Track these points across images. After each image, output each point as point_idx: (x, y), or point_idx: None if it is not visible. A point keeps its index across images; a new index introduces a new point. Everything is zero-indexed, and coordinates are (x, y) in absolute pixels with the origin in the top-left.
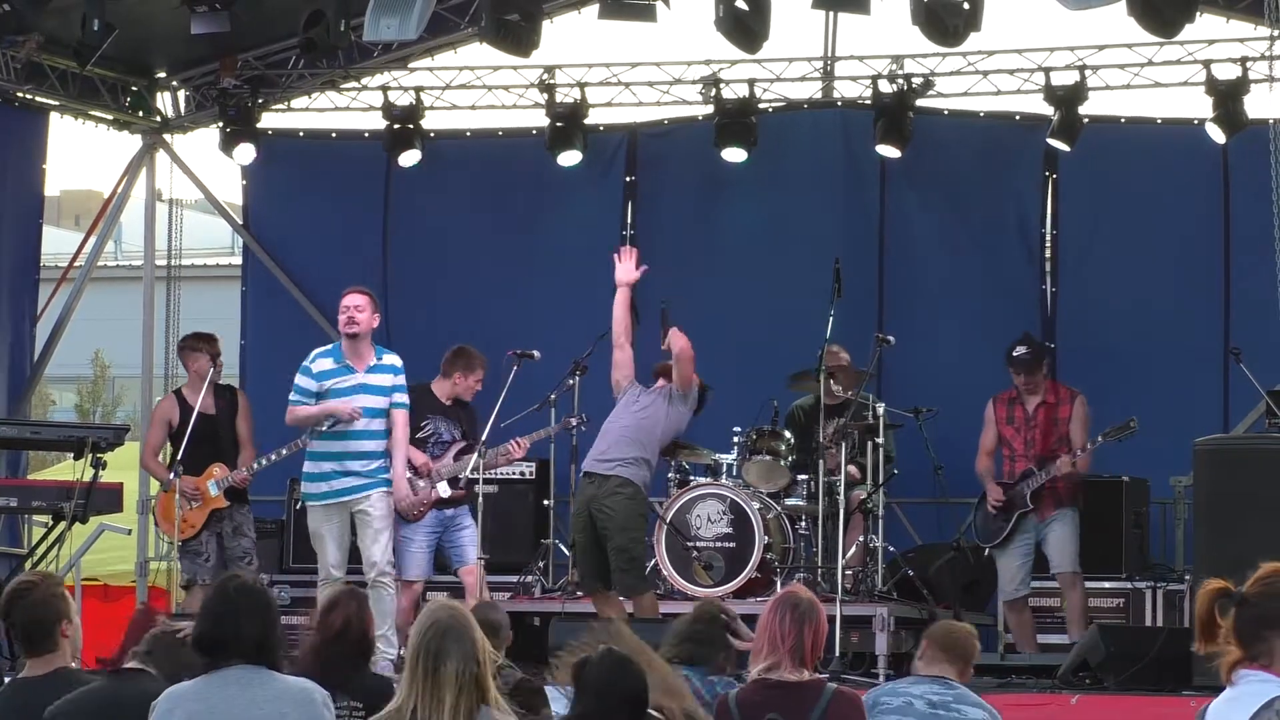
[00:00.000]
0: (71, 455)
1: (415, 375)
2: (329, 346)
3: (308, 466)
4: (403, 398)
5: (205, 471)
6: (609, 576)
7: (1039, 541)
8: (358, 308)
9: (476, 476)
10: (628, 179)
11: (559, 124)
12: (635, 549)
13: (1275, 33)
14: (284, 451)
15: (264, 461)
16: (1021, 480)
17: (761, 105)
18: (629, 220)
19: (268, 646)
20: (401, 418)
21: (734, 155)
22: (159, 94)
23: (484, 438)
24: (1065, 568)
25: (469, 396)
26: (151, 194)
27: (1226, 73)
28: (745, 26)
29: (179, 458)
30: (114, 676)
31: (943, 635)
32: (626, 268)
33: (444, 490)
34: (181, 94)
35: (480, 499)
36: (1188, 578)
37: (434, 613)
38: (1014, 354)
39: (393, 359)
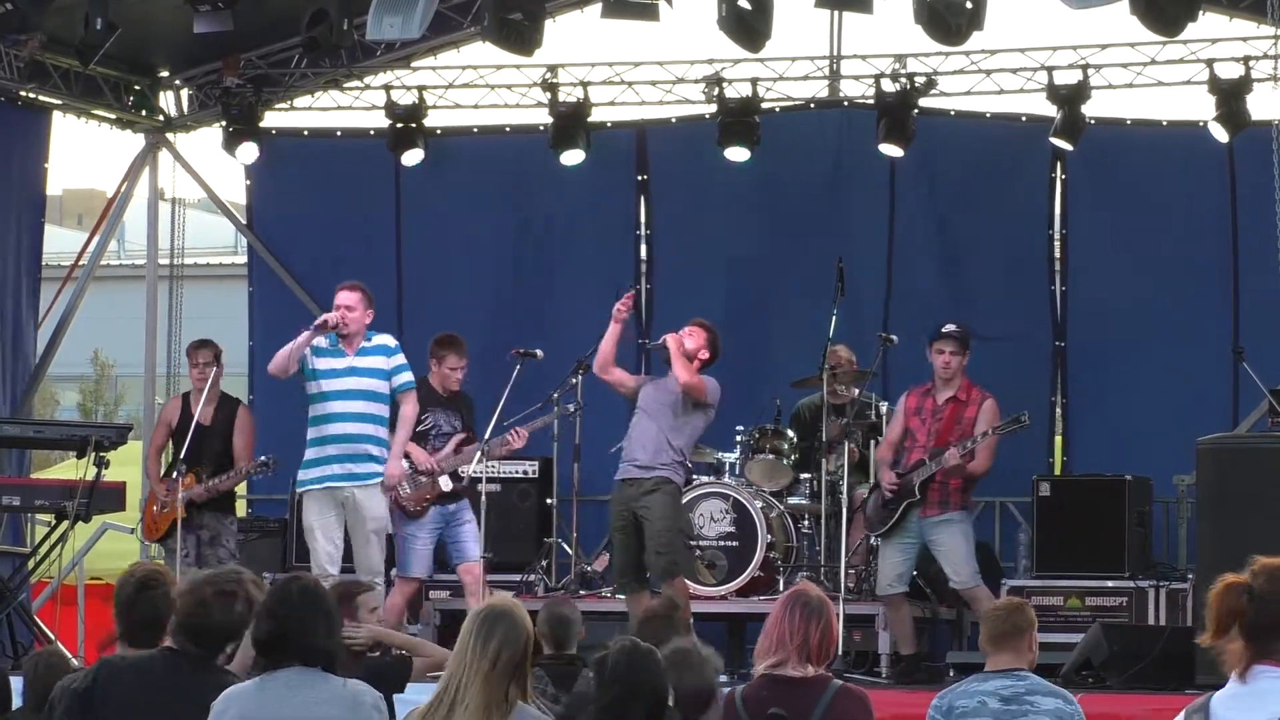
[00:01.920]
0: (74, 454)
1: (425, 372)
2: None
3: (305, 455)
4: (406, 377)
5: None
6: (645, 576)
7: (927, 543)
8: (348, 306)
9: (479, 475)
10: (640, 178)
11: (562, 123)
12: (674, 537)
13: (1278, 32)
14: (241, 473)
15: (223, 478)
16: (913, 469)
17: (768, 104)
18: (643, 219)
19: (324, 649)
20: (410, 398)
21: (737, 154)
22: (162, 93)
23: (487, 435)
24: (965, 583)
25: (454, 385)
26: (154, 193)
27: (1229, 72)
28: (748, 26)
29: (177, 460)
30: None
31: (991, 628)
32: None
33: (446, 484)
34: (184, 93)
35: (483, 498)
36: (1190, 577)
37: (490, 600)
38: (943, 330)
39: (383, 339)
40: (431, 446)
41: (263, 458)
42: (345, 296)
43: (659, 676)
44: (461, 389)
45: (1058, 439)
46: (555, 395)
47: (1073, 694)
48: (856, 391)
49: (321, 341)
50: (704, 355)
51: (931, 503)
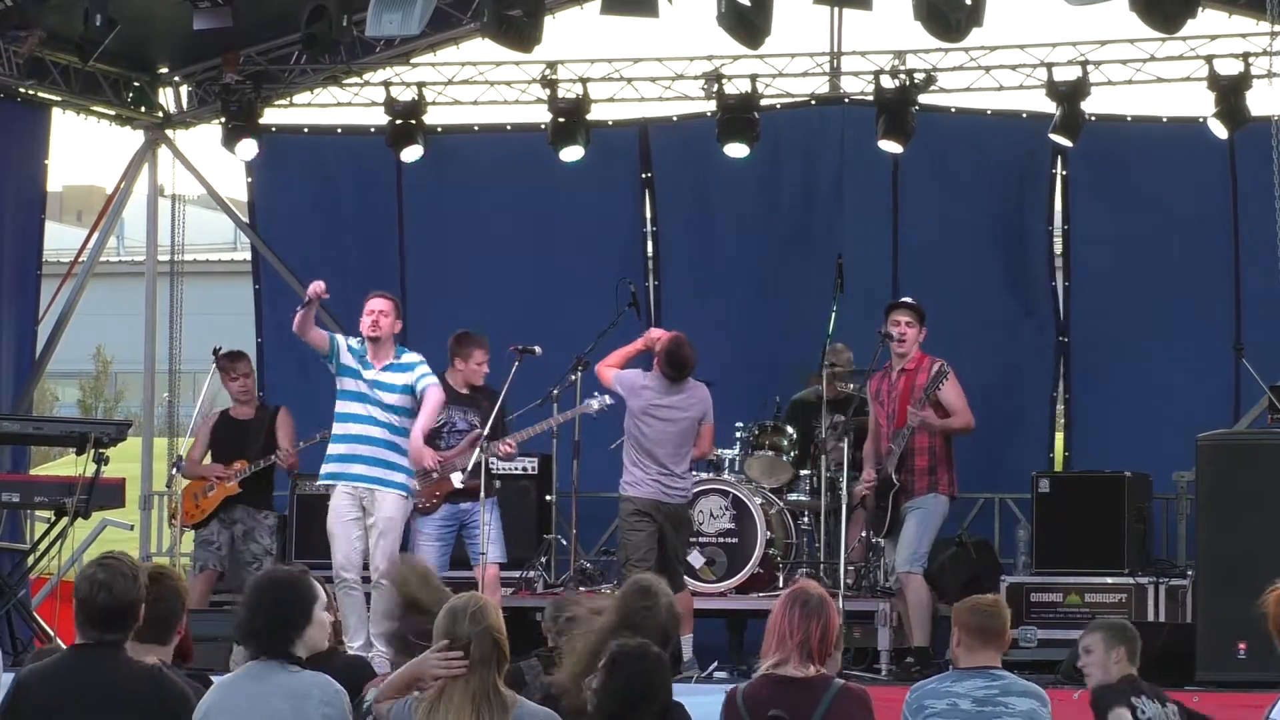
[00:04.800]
0: (74, 451)
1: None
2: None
3: (327, 451)
4: (429, 379)
5: (230, 464)
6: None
7: None
8: (382, 312)
9: (496, 471)
10: (644, 175)
11: (561, 119)
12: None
13: (1277, 28)
14: (317, 437)
15: (301, 444)
16: (886, 459)
17: (768, 101)
18: (649, 217)
19: (287, 640)
20: (433, 390)
21: (736, 151)
22: (161, 89)
23: (484, 432)
24: (899, 565)
25: (478, 380)
26: (154, 189)
27: (1228, 68)
28: (747, 22)
29: (184, 454)
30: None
31: (976, 622)
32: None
33: (457, 481)
34: (184, 89)
35: (483, 493)
36: (1190, 574)
37: (453, 601)
38: (899, 300)
39: (411, 356)
40: (446, 444)
41: (321, 432)
42: (377, 303)
43: (666, 681)
44: (485, 384)
45: (1058, 435)
46: (555, 392)
47: (1072, 691)
48: (852, 386)
49: (351, 355)
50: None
51: (903, 489)
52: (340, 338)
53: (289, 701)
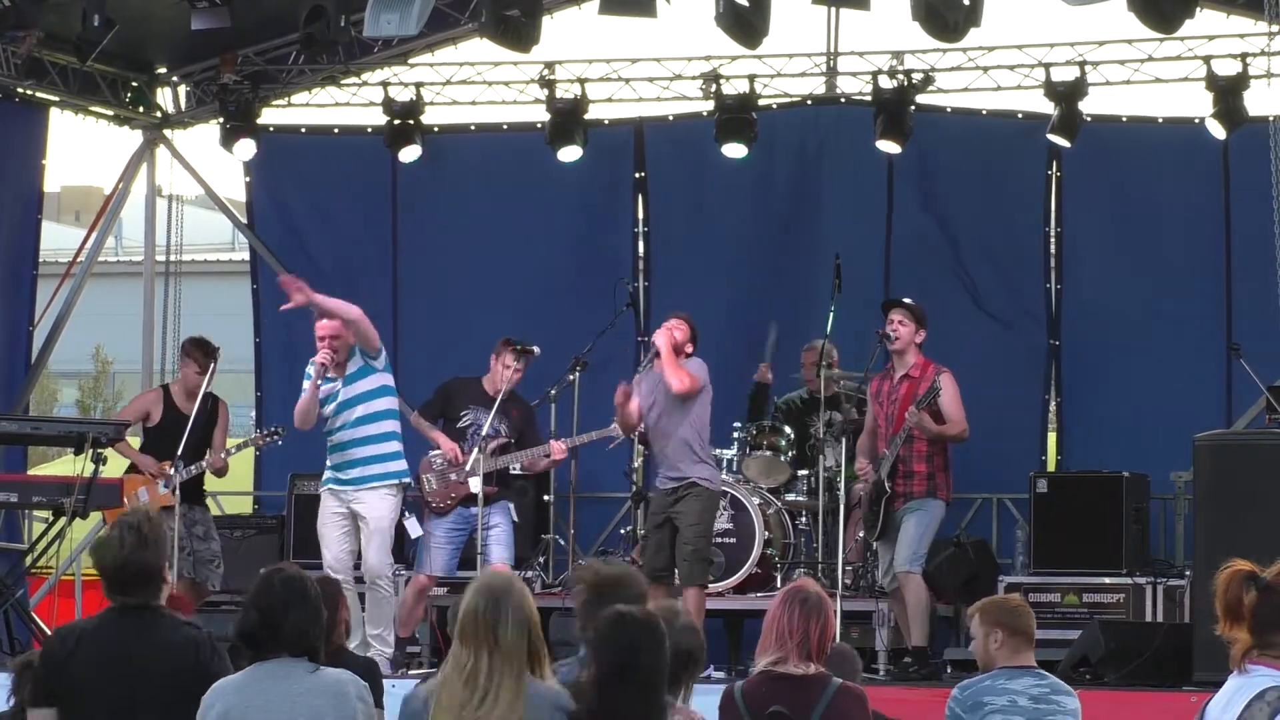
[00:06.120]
0: (72, 450)
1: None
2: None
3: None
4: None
5: (160, 464)
6: (672, 575)
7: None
8: (333, 336)
9: (516, 472)
10: (637, 175)
11: (559, 120)
12: (703, 542)
13: (1275, 28)
14: (244, 444)
15: (232, 450)
16: (879, 464)
17: (766, 101)
18: (641, 217)
19: (309, 638)
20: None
21: (734, 151)
22: (159, 90)
23: (483, 432)
24: (899, 565)
25: (501, 383)
26: (152, 190)
27: (1226, 68)
28: (746, 22)
29: (180, 454)
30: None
31: (1020, 624)
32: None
33: (475, 485)
34: (182, 89)
35: (480, 496)
36: (1188, 573)
37: (487, 579)
38: (897, 299)
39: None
40: (469, 445)
41: (275, 426)
42: (325, 327)
43: (657, 644)
44: (517, 393)
45: (1052, 436)
46: (552, 392)
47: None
48: (842, 382)
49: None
50: (689, 349)
51: (898, 494)
52: (323, 392)
53: (328, 699)
